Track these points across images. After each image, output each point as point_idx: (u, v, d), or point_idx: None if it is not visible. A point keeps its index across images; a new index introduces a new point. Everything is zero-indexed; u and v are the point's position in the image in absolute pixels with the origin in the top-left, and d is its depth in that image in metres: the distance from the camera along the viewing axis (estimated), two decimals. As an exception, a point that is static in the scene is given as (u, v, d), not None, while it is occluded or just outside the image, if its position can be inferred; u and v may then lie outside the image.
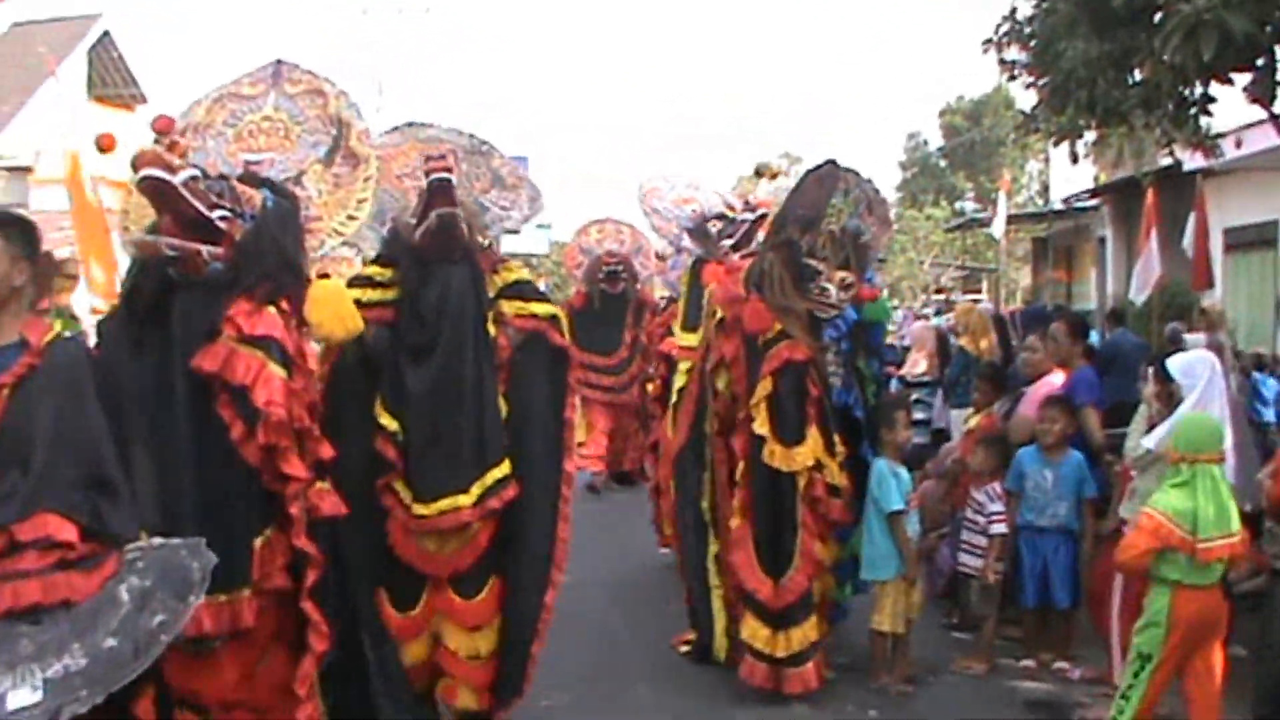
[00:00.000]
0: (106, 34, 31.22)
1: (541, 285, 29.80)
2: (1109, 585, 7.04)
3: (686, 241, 9.45)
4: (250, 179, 5.21)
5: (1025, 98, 12.49)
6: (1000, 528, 7.84)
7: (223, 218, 4.88)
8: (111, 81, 31.33)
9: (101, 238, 10.55)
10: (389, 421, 5.87)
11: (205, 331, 4.78)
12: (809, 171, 7.82)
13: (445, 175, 5.91)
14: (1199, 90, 9.44)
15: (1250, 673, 6.60)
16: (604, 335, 14.71)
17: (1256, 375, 11.12)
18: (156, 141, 4.92)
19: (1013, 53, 10.94)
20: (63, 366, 4.14)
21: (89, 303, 10.07)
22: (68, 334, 4.41)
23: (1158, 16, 8.39)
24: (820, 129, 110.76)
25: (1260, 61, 8.61)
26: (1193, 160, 12.96)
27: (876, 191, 8.25)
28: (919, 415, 10.89)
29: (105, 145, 5.69)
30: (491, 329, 6.09)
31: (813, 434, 7.28)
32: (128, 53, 31.95)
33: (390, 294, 6.01)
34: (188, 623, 4.36)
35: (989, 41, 10.96)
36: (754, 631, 7.27)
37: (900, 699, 7.35)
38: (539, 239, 50.41)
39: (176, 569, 4.05)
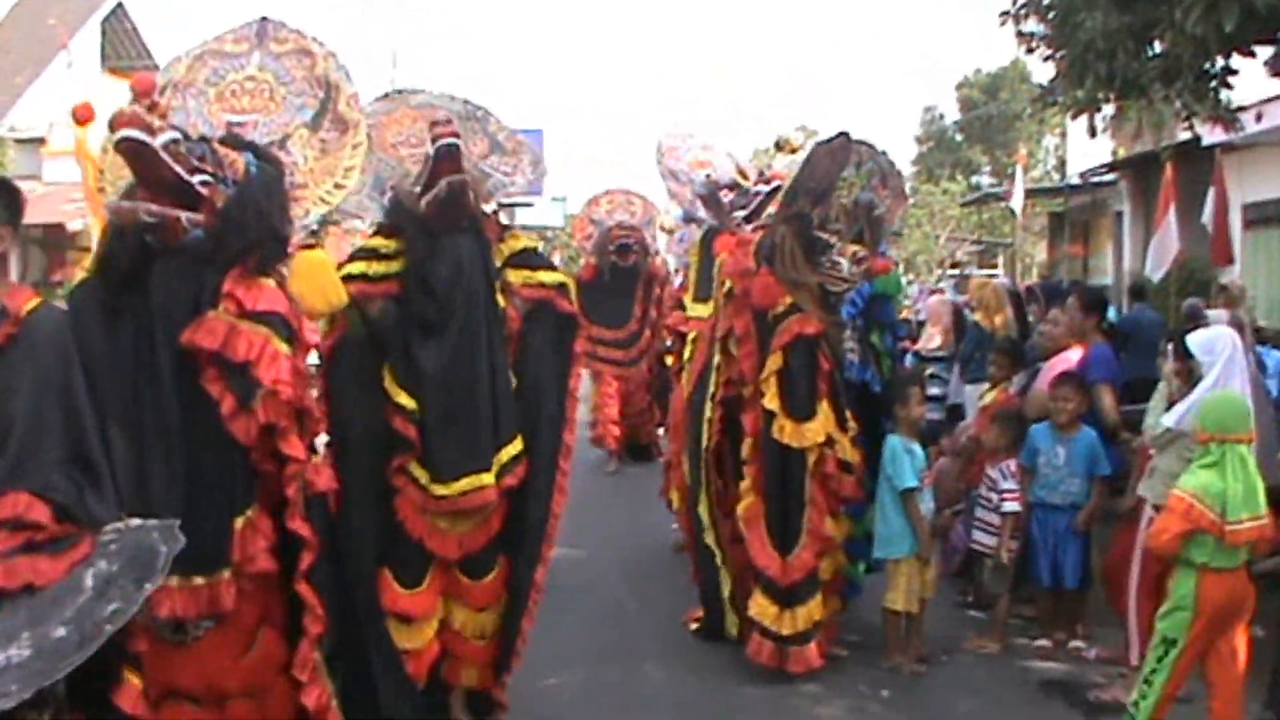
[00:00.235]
0: (120, 5, 31.16)
1: (556, 259, 29.78)
2: (1126, 564, 6.94)
3: (701, 210, 9.27)
4: (232, 141, 4.97)
5: (1042, 71, 12.40)
6: (1013, 505, 7.75)
7: (204, 183, 4.64)
8: (125, 53, 31.25)
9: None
10: (406, 400, 5.69)
11: (186, 302, 4.57)
12: (821, 144, 7.70)
13: (453, 141, 5.73)
14: (1220, 63, 9.31)
15: (1269, 654, 6.49)
16: (614, 308, 14.42)
17: (1259, 349, 10.98)
18: (135, 101, 4.71)
19: (1031, 25, 10.83)
20: (44, 337, 3.94)
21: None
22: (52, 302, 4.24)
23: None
24: (837, 103, 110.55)
25: (1282, 34, 8.47)
26: (1212, 135, 12.84)
27: (891, 164, 8.14)
28: (934, 391, 10.81)
29: (82, 118, 5.45)
30: (500, 300, 5.95)
31: (824, 409, 7.20)
32: (141, 24, 31.89)
33: (395, 266, 5.83)
34: (162, 607, 4.28)
35: (1006, 14, 10.85)
36: (763, 609, 7.19)
37: (913, 679, 7.27)
38: (554, 212, 50.41)
39: (145, 552, 3.83)
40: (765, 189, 8.58)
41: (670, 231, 13.71)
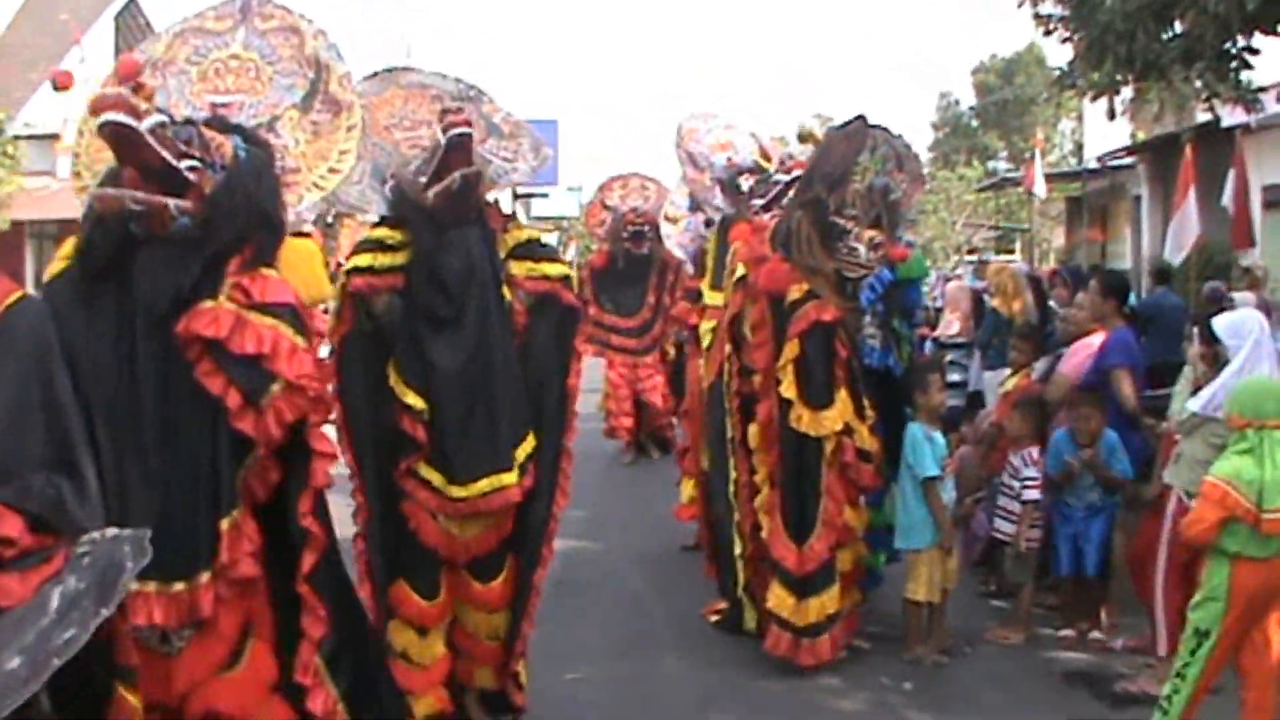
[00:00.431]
0: (131, 1, 31.15)
1: (572, 248, 29.70)
2: (1152, 552, 6.80)
3: (717, 197, 9.12)
4: (218, 124, 4.70)
5: (1059, 55, 12.29)
6: (1033, 494, 7.64)
7: (191, 168, 4.38)
8: (138, 48, 31.19)
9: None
10: (415, 400, 5.48)
11: (172, 293, 4.30)
12: (836, 129, 7.59)
13: (467, 130, 5.55)
14: (1241, 43, 9.21)
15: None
16: (626, 296, 14.31)
17: (1282, 330, 10.87)
18: (119, 84, 4.45)
19: (1048, 7, 10.75)
20: (25, 332, 3.63)
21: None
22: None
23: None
24: (853, 89, 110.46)
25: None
26: (1233, 116, 12.71)
27: (907, 147, 8.03)
28: (954, 377, 10.69)
29: (61, 83, 5.07)
30: (506, 293, 5.77)
31: (841, 397, 7.09)
32: (154, 18, 31.86)
33: (400, 258, 5.61)
34: (139, 614, 4.08)
35: (1024, -4, 10.76)
36: (780, 600, 7.10)
37: (935, 670, 7.17)
38: (570, 201, 50.41)
39: (115, 568, 3.48)
40: (785, 178, 8.42)
41: (674, 220, 13.47)
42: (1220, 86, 9.53)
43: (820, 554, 7.03)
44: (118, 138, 4.29)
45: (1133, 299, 11.82)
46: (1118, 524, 7.72)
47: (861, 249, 7.15)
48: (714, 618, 7.97)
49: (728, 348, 7.71)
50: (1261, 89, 10.95)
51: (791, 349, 7.08)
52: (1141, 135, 23.35)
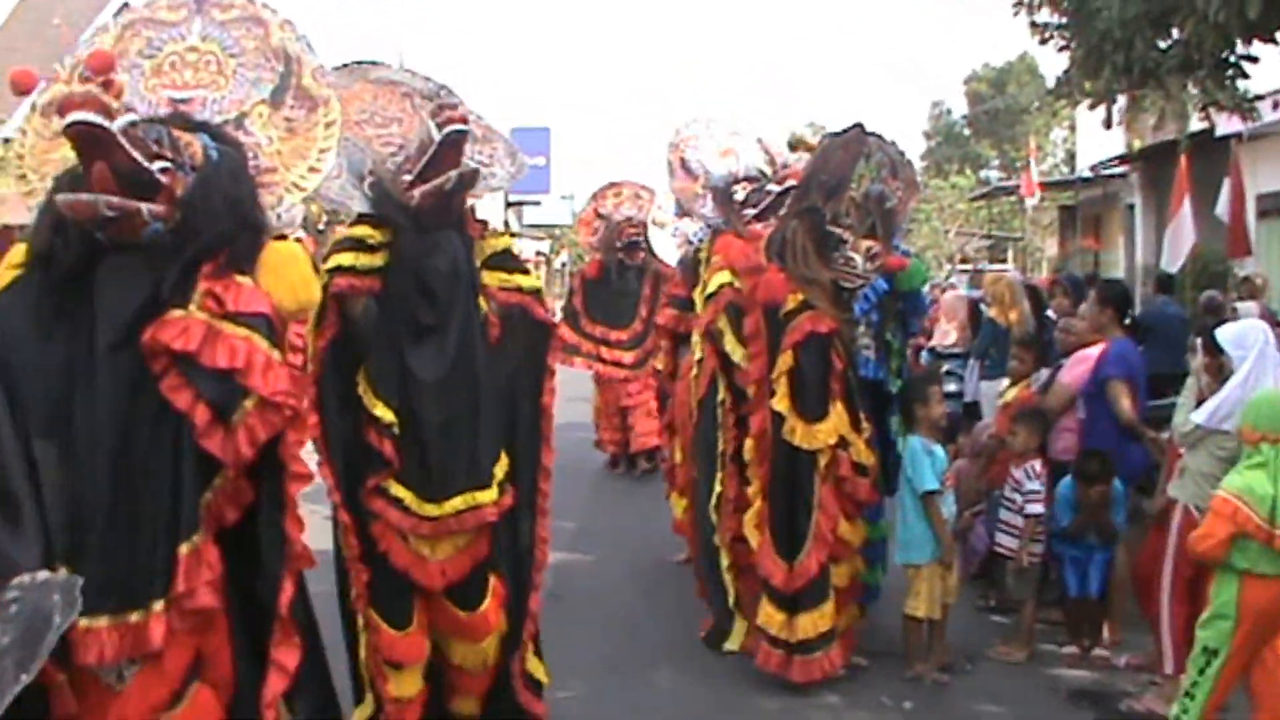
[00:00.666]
0: (125, 5, 30.97)
1: (564, 256, 29.52)
2: (1157, 568, 6.68)
3: (705, 208, 8.96)
4: (181, 121, 4.38)
5: (1052, 64, 12.22)
6: (1037, 507, 7.52)
7: (163, 170, 4.09)
8: (129, 54, 31.04)
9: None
10: (384, 412, 5.19)
11: (139, 303, 4.03)
12: (833, 136, 7.47)
13: (465, 127, 5.30)
14: (1241, 50, 9.13)
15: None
16: (618, 307, 13.91)
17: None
18: (89, 80, 4.12)
19: (1044, 15, 10.67)
20: None
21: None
22: None
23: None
24: (845, 99, 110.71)
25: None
26: (1229, 124, 12.64)
27: (901, 154, 7.89)
28: (950, 387, 10.59)
29: (22, 86, 4.47)
30: (482, 303, 5.52)
31: (836, 410, 6.95)
32: (145, 25, 31.66)
33: (378, 260, 5.31)
34: (89, 651, 3.81)
35: (1019, 4, 10.69)
36: (769, 617, 6.97)
37: (937, 688, 7.04)
38: (562, 209, 50.29)
39: (42, 620, 3.27)
40: (778, 188, 8.30)
41: (661, 225, 13.20)
42: (1220, 95, 9.43)
43: (810, 570, 6.88)
44: (88, 139, 3.97)
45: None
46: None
47: (858, 259, 7.02)
48: (702, 633, 7.83)
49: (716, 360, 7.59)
50: (1258, 97, 10.88)
51: (786, 360, 6.95)
52: (1138, 143, 23.27)
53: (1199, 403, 6.44)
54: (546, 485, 5.75)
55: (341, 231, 5.79)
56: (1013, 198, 39.16)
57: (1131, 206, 26.93)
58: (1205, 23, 8.02)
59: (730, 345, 7.46)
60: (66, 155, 4.24)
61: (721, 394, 7.58)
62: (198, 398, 3.99)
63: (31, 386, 3.93)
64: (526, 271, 5.88)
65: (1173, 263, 14.51)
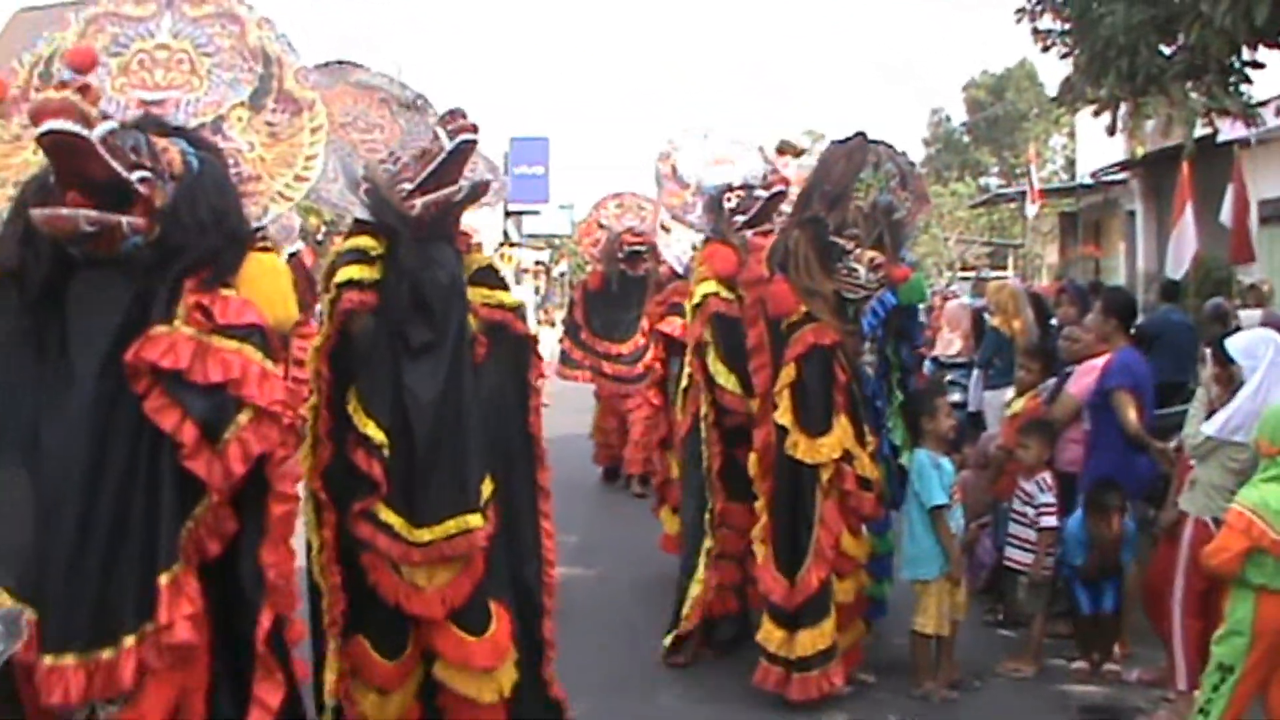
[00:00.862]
0: (117, 18, 30.96)
1: (564, 267, 29.32)
2: (1168, 582, 6.59)
3: (694, 216, 8.78)
4: (155, 125, 4.11)
5: (1052, 70, 12.15)
6: (1050, 520, 7.43)
7: (143, 180, 3.86)
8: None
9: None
10: (375, 432, 4.88)
11: (116, 321, 3.84)
12: (836, 145, 7.38)
13: (475, 137, 5.09)
14: (1247, 56, 9.06)
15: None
16: (620, 321, 13.60)
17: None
18: (63, 85, 3.77)
19: (1046, 22, 10.61)
20: None
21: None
22: None
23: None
24: (844, 106, 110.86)
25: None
26: (1232, 130, 12.57)
27: (911, 165, 7.83)
28: (954, 397, 10.49)
29: None
30: (470, 320, 5.30)
31: (841, 423, 6.85)
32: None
33: (376, 272, 5.04)
34: (54, 692, 3.62)
35: (1021, 11, 10.62)
36: (768, 634, 6.88)
37: (945, 706, 6.94)
38: (561, 219, 50.28)
39: None
40: (766, 194, 8.16)
41: (668, 230, 12.97)
42: (1226, 101, 9.35)
43: (810, 586, 6.78)
44: (65, 149, 3.74)
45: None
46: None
47: (861, 270, 6.92)
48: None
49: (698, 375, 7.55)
50: (1262, 103, 10.82)
51: (788, 373, 6.85)
52: (1140, 150, 23.22)
53: (1209, 414, 6.37)
54: (547, 505, 5.54)
55: (339, 242, 5.57)
56: (1013, 205, 39.11)
57: (1132, 213, 26.84)
58: (1211, 28, 7.95)
59: (712, 360, 7.42)
60: (28, 159, 4.09)
61: (705, 408, 7.51)
62: (185, 417, 3.82)
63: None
64: (508, 288, 5.65)
65: (1176, 269, 14.42)
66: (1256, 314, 10.84)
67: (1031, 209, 27.39)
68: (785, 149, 8.70)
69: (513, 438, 5.42)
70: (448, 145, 5.07)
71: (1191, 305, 13.32)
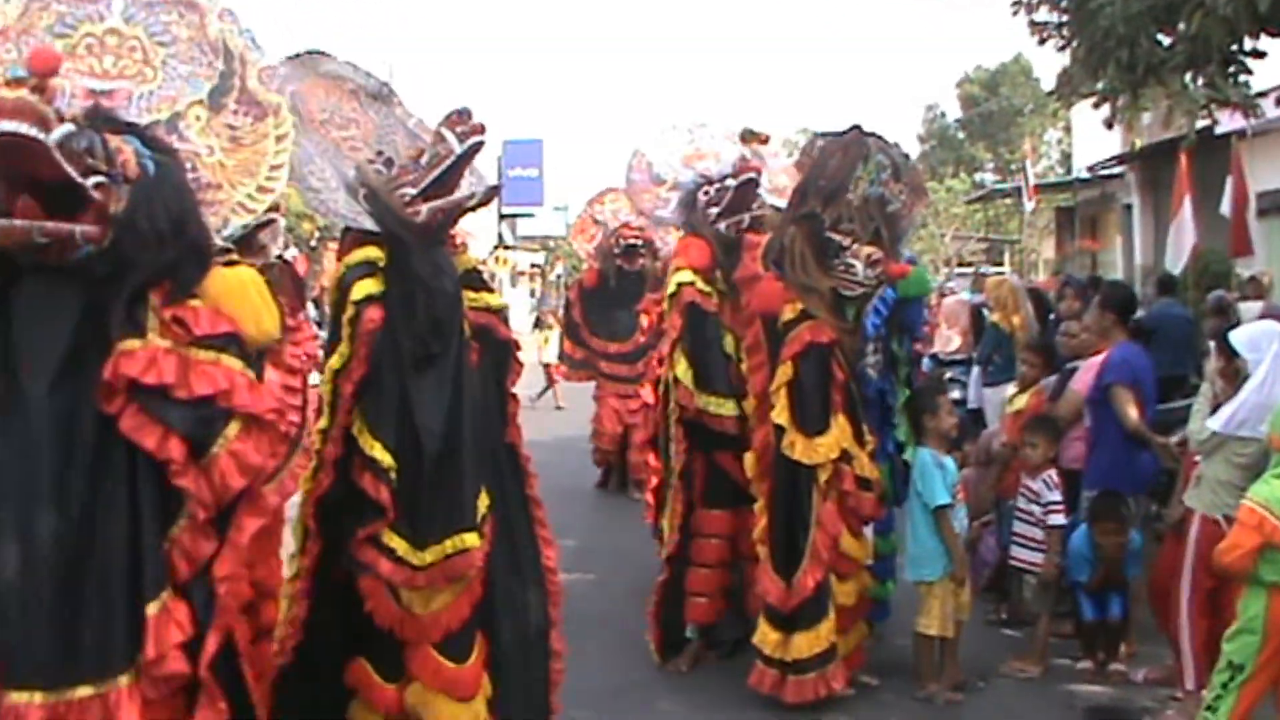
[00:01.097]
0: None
1: (559, 269, 29.03)
2: (1175, 580, 6.51)
3: (667, 212, 8.61)
4: (104, 119, 3.72)
5: (1046, 66, 12.04)
6: (1059, 519, 7.33)
7: (98, 185, 3.54)
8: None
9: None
10: (383, 455, 4.55)
11: (67, 335, 3.57)
12: (832, 139, 7.26)
13: (484, 139, 4.72)
14: (1249, 45, 8.96)
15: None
16: (618, 319, 13.27)
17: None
18: (18, 82, 3.50)
19: (1043, 13, 10.52)
20: None
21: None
22: None
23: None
24: (837, 103, 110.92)
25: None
26: (1230, 122, 12.48)
27: (905, 157, 7.64)
28: (953, 394, 10.38)
29: None
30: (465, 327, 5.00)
31: (839, 423, 6.73)
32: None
33: (381, 285, 4.66)
34: None
35: (1018, 4, 10.53)
36: (763, 635, 6.80)
37: (950, 708, 6.84)
38: (555, 221, 50.19)
39: None
40: (734, 183, 8.00)
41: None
42: (1228, 91, 9.24)
43: (806, 587, 6.67)
44: (16, 150, 3.44)
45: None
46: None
47: (859, 266, 6.80)
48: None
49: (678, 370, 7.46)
50: (1260, 94, 10.71)
51: (785, 372, 6.74)
52: (1139, 142, 23.16)
53: (1214, 409, 6.28)
54: (541, 513, 5.23)
55: (333, 249, 5.33)
56: (1009, 200, 39.08)
57: (1129, 207, 26.82)
58: (1213, 16, 7.86)
59: (679, 356, 7.37)
60: None
61: (672, 404, 7.45)
62: (168, 433, 3.59)
63: None
64: (493, 290, 5.33)
65: (1175, 262, 14.36)
66: (1257, 306, 10.78)
67: (1028, 204, 27.31)
68: (748, 137, 8.53)
69: (498, 448, 5.11)
70: (457, 148, 4.71)
71: (1191, 298, 13.25)
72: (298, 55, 5.12)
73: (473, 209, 4.87)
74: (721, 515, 7.47)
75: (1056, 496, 7.38)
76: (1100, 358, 7.83)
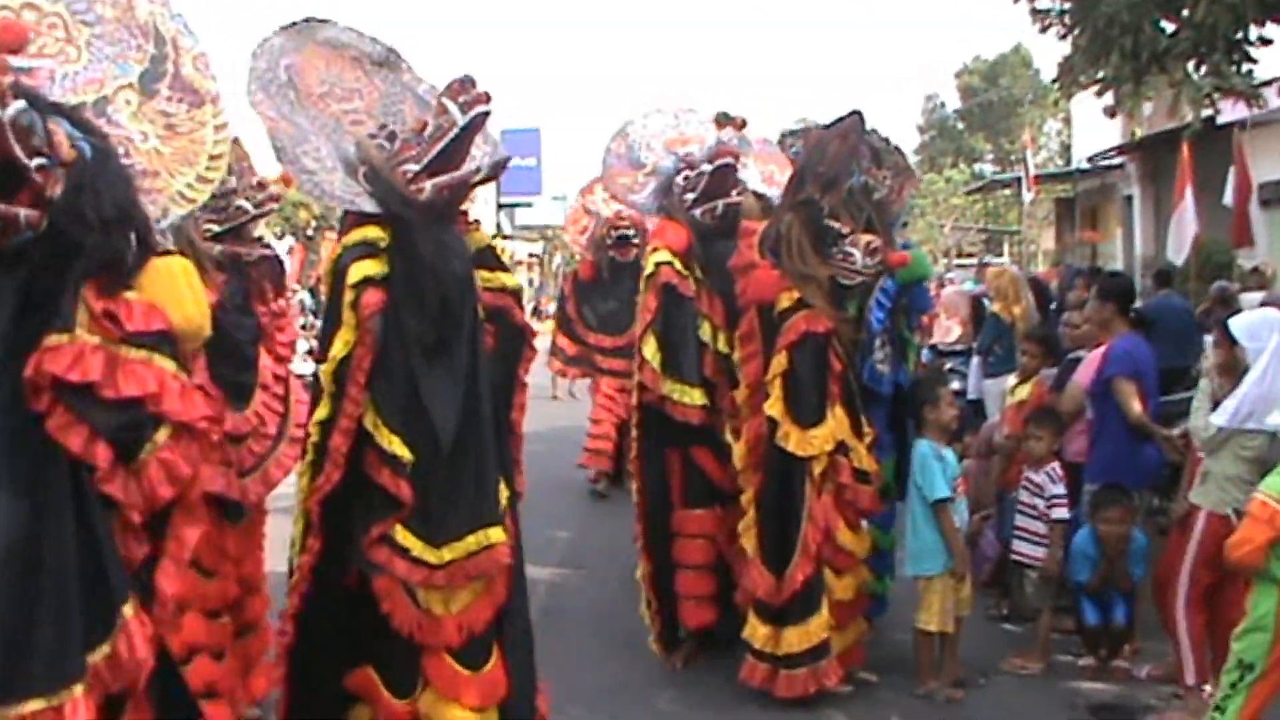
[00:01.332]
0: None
1: (558, 259, 28.85)
2: (1178, 575, 6.40)
3: (643, 197, 8.44)
4: (30, 99, 3.44)
5: (1046, 56, 11.97)
6: (1062, 512, 7.22)
7: (40, 167, 3.33)
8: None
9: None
10: (401, 449, 4.44)
11: (6, 323, 3.34)
12: (829, 125, 7.13)
13: (489, 109, 4.53)
14: (1255, 33, 8.87)
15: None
16: (612, 311, 12.83)
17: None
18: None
19: (1045, 1, 10.44)
20: None
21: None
22: None
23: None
24: (836, 94, 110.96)
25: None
26: (1233, 112, 12.40)
27: (885, 141, 7.50)
28: (953, 385, 10.28)
29: None
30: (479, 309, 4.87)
31: (835, 414, 6.61)
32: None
33: (384, 267, 4.53)
34: None
35: (1020, -8, 10.45)
36: (753, 630, 6.69)
37: (950, 705, 6.72)
38: (554, 211, 50.08)
39: None
40: (710, 167, 7.82)
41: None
42: (1234, 80, 9.13)
43: (797, 583, 6.57)
44: None
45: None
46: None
47: (858, 254, 6.68)
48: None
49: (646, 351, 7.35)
50: (1264, 84, 10.63)
51: (779, 362, 6.63)
52: (1140, 132, 23.04)
53: (1214, 404, 6.17)
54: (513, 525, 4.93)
55: (330, 237, 5.19)
56: (1008, 191, 39.01)
57: (1129, 198, 26.76)
58: (1220, 3, 7.75)
59: (649, 336, 7.29)
60: None
61: (633, 384, 7.40)
62: (93, 436, 3.40)
63: None
64: (508, 269, 5.19)
65: (1177, 253, 14.27)
66: (1258, 297, 10.67)
67: (1028, 195, 27.22)
68: (723, 121, 8.38)
69: (504, 435, 4.95)
70: (460, 120, 4.55)
71: (1193, 289, 13.16)
72: (293, 24, 4.94)
73: (481, 183, 4.76)
74: (704, 514, 7.36)
75: (1060, 490, 7.26)
76: (1102, 350, 7.72)
